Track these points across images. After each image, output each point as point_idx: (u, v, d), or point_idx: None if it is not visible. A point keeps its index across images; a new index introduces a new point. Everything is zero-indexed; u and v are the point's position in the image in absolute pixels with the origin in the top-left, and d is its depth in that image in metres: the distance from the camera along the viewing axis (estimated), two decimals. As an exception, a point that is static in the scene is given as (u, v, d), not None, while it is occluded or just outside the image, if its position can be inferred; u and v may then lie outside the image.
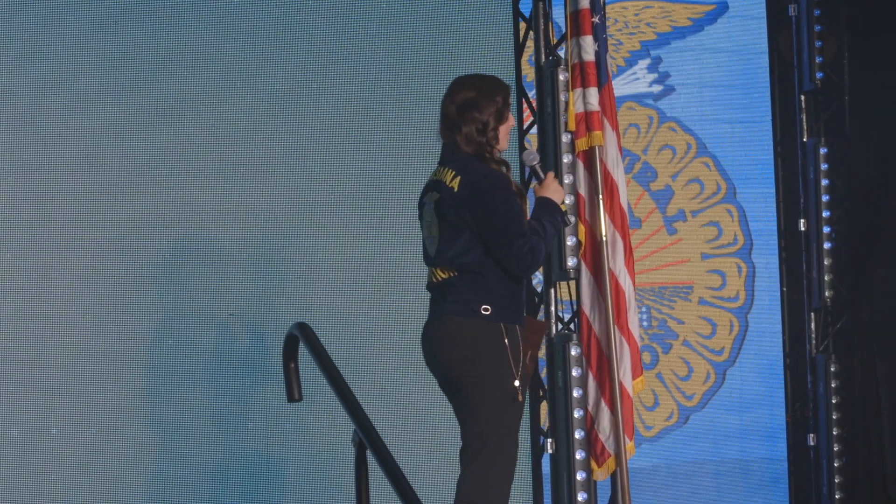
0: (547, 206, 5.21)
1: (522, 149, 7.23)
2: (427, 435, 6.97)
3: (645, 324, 8.40)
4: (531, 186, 5.88)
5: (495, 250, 5.03)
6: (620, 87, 8.33)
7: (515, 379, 5.02)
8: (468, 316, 5.04)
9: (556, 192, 5.25)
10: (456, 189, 5.05)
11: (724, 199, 8.58)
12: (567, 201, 6.77)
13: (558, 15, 7.24)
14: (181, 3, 6.70)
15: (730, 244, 8.61)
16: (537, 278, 7.33)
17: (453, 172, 5.08)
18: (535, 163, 5.37)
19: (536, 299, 7.24)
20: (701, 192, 8.55)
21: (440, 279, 5.12)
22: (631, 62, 8.45)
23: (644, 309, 8.42)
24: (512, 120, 5.20)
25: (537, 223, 5.13)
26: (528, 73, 7.49)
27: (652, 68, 8.47)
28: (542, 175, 5.34)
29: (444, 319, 5.09)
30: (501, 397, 5.04)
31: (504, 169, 5.14)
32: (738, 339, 8.55)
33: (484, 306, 5.04)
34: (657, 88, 8.47)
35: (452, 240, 5.07)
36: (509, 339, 5.04)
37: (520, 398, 5.06)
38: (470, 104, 5.11)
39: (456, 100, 5.13)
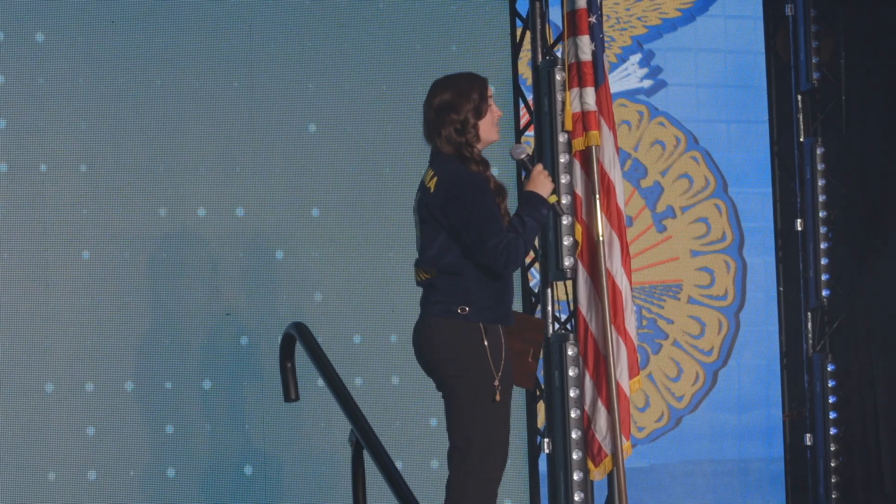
0: (530, 201, 5.17)
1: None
2: (424, 435, 6.97)
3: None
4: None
5: (470, 250, 5.03)
6: (612, 83, 8.30)
7: (496, 378, 5.03)
8: (446, 316, 5.05)
9: (542, 185, 5.20)
10: (432, 190, 5.06)
11: (713, 194, 8.57)
12: (564, 201, 6.76)
13: (555, 15, 7.24)
14: (180, 0, 6.71)
15: (718, 240, 8.60)
16: (535, 279, 7.33)
17: (432, 173, 5.10)
18: (522, 156, 5.33)
19: (533, 299, 7.24)
20: (690, 187, 8.54)
21: (422, 279, 5.15)
22: (623, 58, 8.44)
23: (634, 308, 8.41)
24: (496, 110, 5.16)
25: (518, 220, 5.10)
26: (525, 72, 7.49)
27: (643, 63, 8.46)
28: (530, 167, 5.32)
29: (426, 320, 5.11)
30: (483, 397, 5.03)
31: (482, 168, 5.11)
32: (727, 339, 8.54)
33: (461, 307, 5.04)
34: (648, 83, 8.46)
35: (431, 241, 5.09)
36: (489, 338, 5.04)
37: (498, 398, 5.05)
38: (446, 106, 5.10)
39: (433, 104, 5.13)
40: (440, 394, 5.28)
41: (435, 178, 5.07)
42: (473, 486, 5.04)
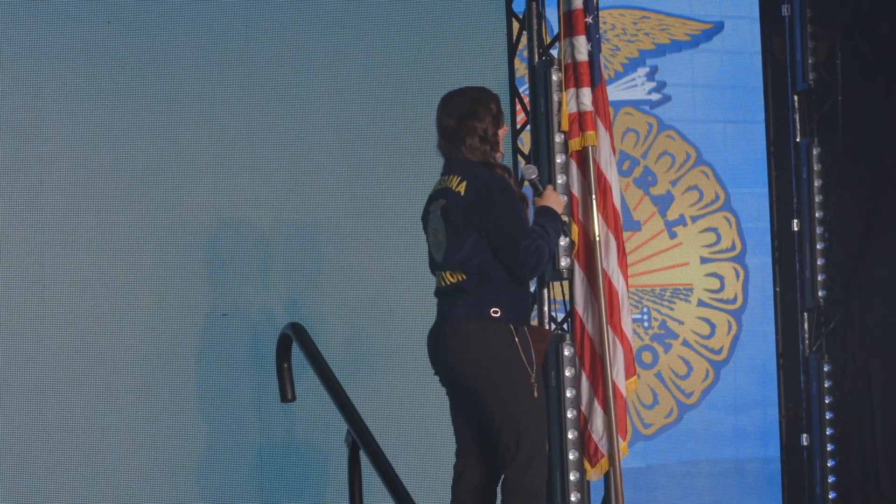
0: (548, 213, 5.38)
1: (515, 149, 7.24)
2: (422, 437, 6.97)
3: (645, 324, 8.44)
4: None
5: (502, 251, 5.15)
6: (618, 92, 8.37)
7: (531, 376, 5.11)
8: (478, 318, 5.16)
9: (556, 202, 5.44)
10: (463, 193, 5.18)
11: (722, 207, 8.63)
12: (561, 201, 6.78)
13: (551, 15, 7.24)
14: (175, 5, 6.71)
15: (728, 249, 8.65)
16: (531, 279, 7.33)
17: (459, 178, 5.22)
18: (533, 177, 5.53)
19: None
20: (700, 199, 8.60)
21: (448, 283, 5.23)
22: (629, 68, 8.49)
23: (644, 310, 8.46)
24: (505, 126, 5.35)
25: (540, 228, 5.28)
26: (522, 72, 7.49)
27: (650, 76, 8.52)
28: (541, 188, 5.49)
29: (454, 323, 5.19)
30: (523, 395, 5.16)
31: (507, 175, 5.27)
32: (735, 340, 8.58)
33: (493, 308, 5.15)
34: (656, 97, 8.50)
35: (460, 243, 5.19)
36: (519, 338, 5.17)
37: (536, 394, 5.16)
38: (468, 114, 5.25)
39: (453, 113, 5.26)
40: (442, 395, 5.32)
41: (465, 182, 5.19)
42: (531, 483, 5.13)
